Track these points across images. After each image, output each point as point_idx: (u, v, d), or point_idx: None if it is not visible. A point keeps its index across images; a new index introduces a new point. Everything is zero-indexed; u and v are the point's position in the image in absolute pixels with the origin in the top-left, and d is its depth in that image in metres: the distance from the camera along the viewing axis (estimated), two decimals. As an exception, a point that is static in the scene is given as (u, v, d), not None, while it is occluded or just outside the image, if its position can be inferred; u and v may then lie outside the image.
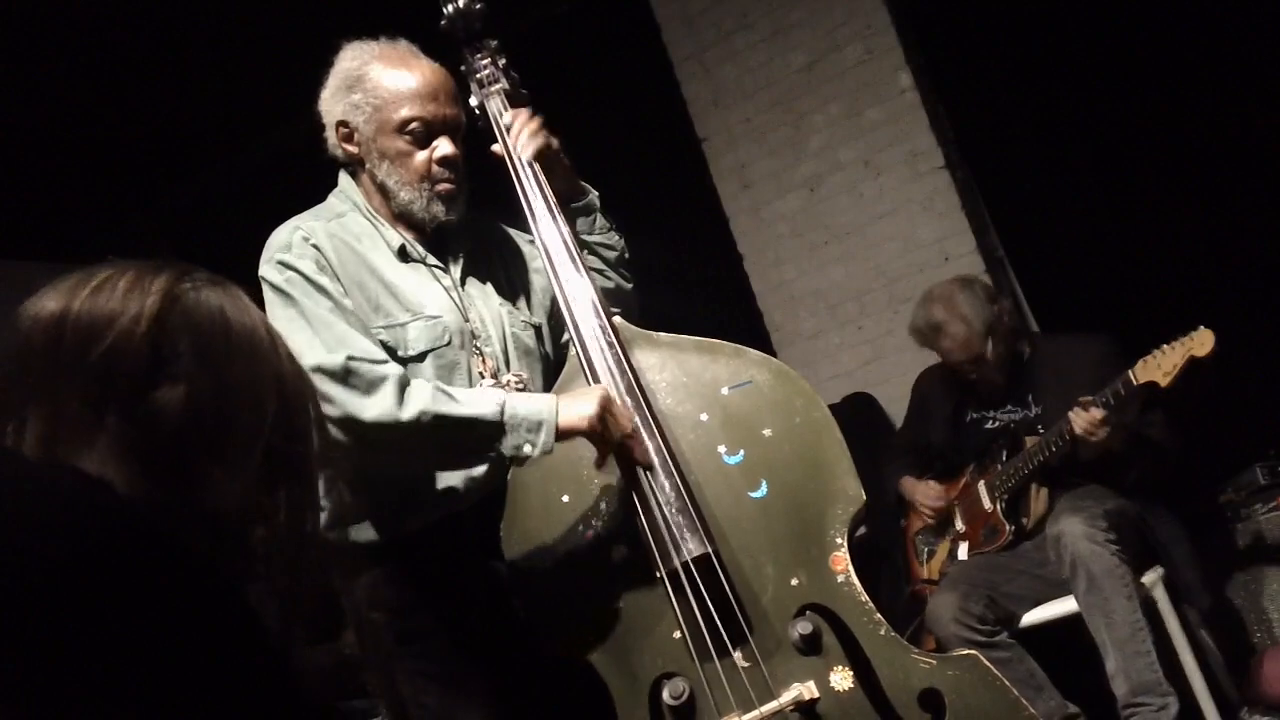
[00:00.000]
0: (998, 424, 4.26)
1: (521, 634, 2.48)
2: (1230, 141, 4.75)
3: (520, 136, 2.66)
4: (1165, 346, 3.65)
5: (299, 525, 1.29)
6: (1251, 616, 4.28)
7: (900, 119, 5.38)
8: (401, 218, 2.60)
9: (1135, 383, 3.69)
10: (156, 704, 0.98)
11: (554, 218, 2.61)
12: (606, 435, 2.36)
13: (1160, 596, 3.88)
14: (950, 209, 5.33)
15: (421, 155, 2.55)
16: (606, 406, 2.36)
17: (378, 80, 2.54)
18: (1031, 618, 3.96)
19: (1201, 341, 3.59)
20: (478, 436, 2.35)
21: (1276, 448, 4.45)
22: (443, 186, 2.57)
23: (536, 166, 2.65)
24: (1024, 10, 5.09)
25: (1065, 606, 3.89)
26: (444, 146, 2.56)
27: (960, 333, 4.20)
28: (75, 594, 0.95)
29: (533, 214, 2.62)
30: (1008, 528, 4.11)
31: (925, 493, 4.37)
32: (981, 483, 4.21)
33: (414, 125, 2.53)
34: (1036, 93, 5.17)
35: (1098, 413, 3.75)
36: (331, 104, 2.60)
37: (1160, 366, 3.64)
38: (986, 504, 4.18)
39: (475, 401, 2.37)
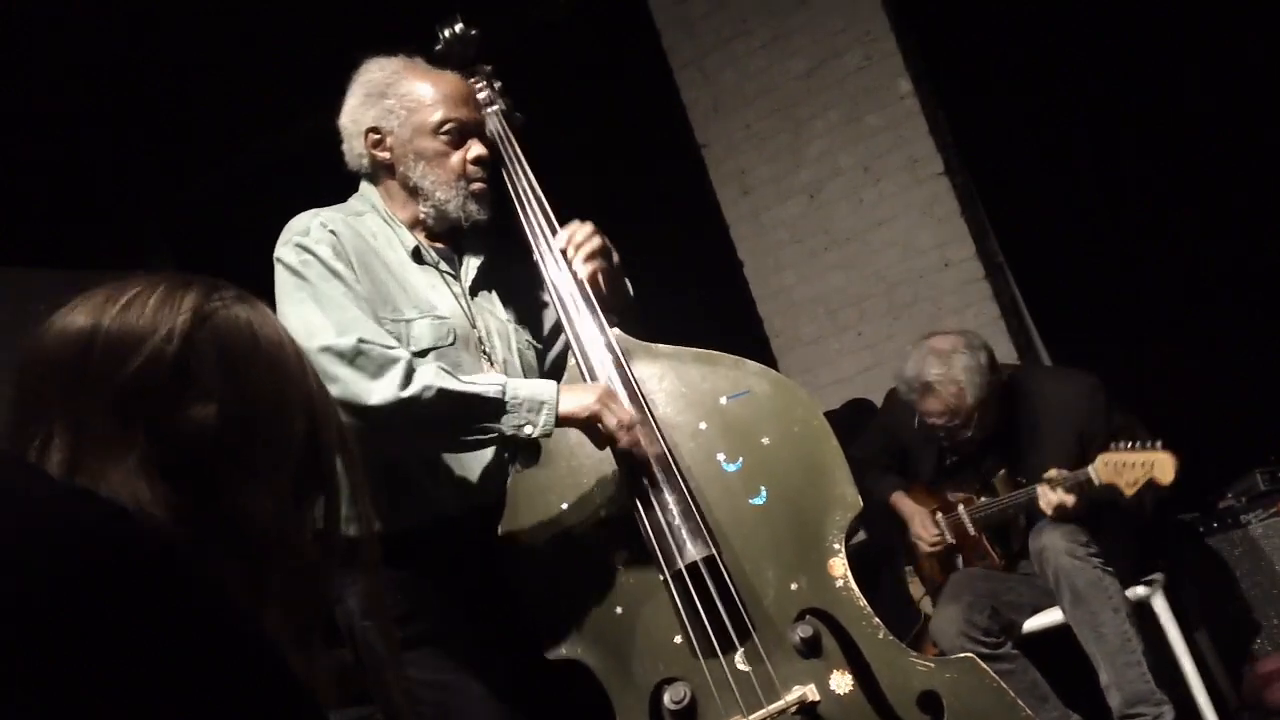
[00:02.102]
0: (973, 462, 4.25)
1: (521, 639, 2.49)
2: (1229, 146, 4.76)
3: (579, 252, 2.64)
4: (1128, 454, 3.68)
5: (323, 540, 1.30)
6: (1251, 622, 4.28)
7: (900, 125, 5.39)
8: (423, 224, 2.67)
9: (1097, 483, 3.73)
10: None
11: (552, 231, 2.65)
12: (606, 427, 2.39)
13: (1159, 603, 3.89)
14: (950, 215, 5.34)
15: (457, 155, 2.63)
16: (607, 399, 2.40)
17: (410, 87, 2.64)
18: (1031, 625, 3.96)
19: (1163, 469, 3.63)
20: (480, 414, 2.37)
21: (1276, 453, 4.45)
22: (476, 185, 2.65)
23: (542, 196, 2.69)
24: (1023, 15, 5.10)
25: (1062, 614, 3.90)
26: (476, 147, 2.66)
27: (950, 398, 3.99)
28: (73, 620, 0.94)
29: (533, 232, 2.67)
30: (999, 556, 4.13)
31: (921, 534, 4.26)
32: (961, 507, 4.21)
33: (449, 126, 2.62)
34: (1036, 97, 5.19)
35: (1066, 496, 3.77)
36: (360, 113, 2.67)
37: (1122, 475, 3.68)
38: (970, 530, 4.18)
39: (477, 381, 2.41)
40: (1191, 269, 4.92)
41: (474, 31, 2.88)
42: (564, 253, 2.65)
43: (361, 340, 2.34)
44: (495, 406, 2.37)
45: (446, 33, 2.87)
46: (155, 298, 1.24)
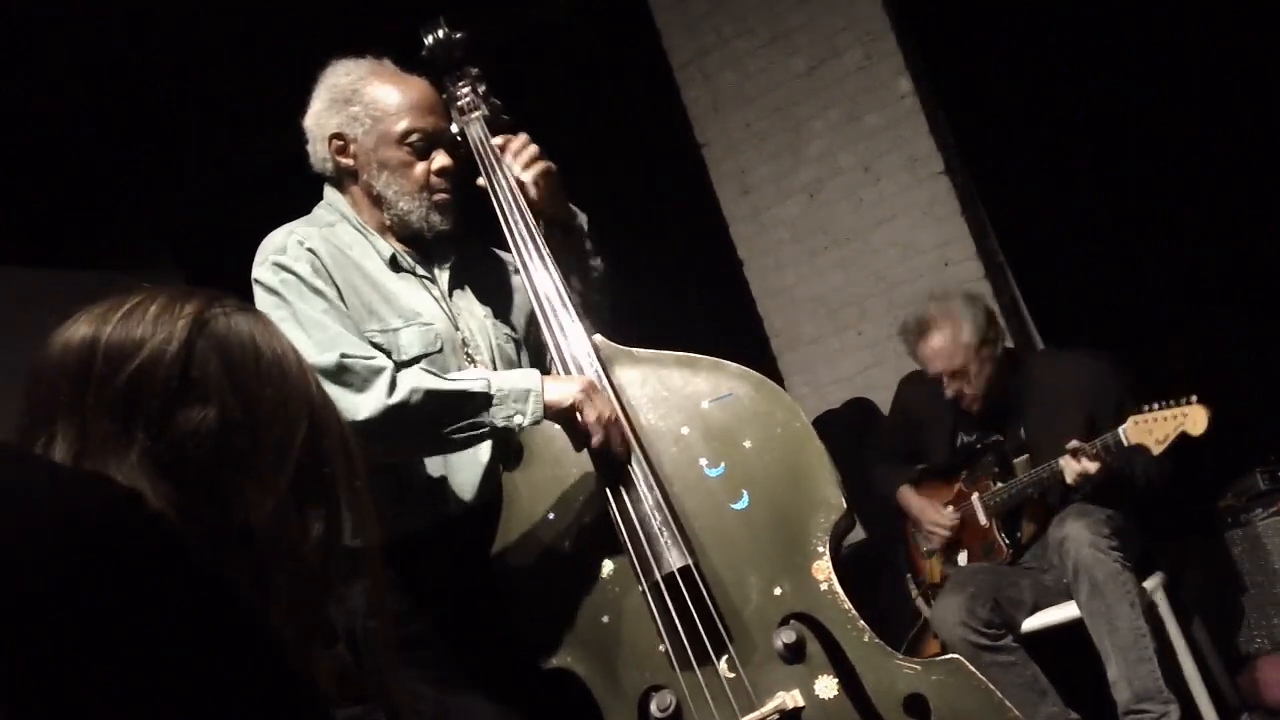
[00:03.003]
0: (987, 444, 4.24)
1: (518, 640, 2.50)
2: (1229, 146, 4.74)
3: (517, 160, 2.69)
4: (1160, 411, 3.65)
5: (325, 544, 1.30)
6: (1251, 622, 4.28)
7: (900, 124, 5.38)
8: (391, 229, 2.65)
9: (1126, 443, 3.70)
10: (162, 713, 0.98)
11: (534, 238, 2.64)
12: (584, 419, 2.39)
13: (1161, 602, 3.88)
14: (950, 214, 5.33)
15: (421, 166, 2.61)
16: (590, 391, 2.40)
17: (376, 94, 2.60)
18: (1031, 624, 3.95)
19: (1195, 421, 3.60)
20: (468, 409, 2.37)
21: (1276, 453, 4.44)
22: (440, 196, 2.63)
23: (523, 201, 2.67)
24: (1022, 14, 5.09)
25: (1065, 613, 3.90)
26: (441, 158, 2.63)
27: (946, 338, 4.12)
28: (83, 598, 0.95)
29: (516, 239, 2.65)
30: (1005, 547, 4.11)
31: (936, 520, 4.29)
32: (975, 496, 4.21)
33: (414, 136, 2.59)
34: (1036, 97, 5.18)
35: (1090, 465, 3.75)
36: (325, 118, 2.63)
37: (1153, 433, 3.65)
38: (982, 519, 4.18)
39: (462, 378, 2.42)
40: (1191, 269, 4.91)
41: (459, 35, 2.84)
42: (502, 149, 2.69)
43: (344, 355, 2.34)
44: (482, 400, 2.37)
45: (429, 38, 2.84)
46: (156, 306, 1.27)
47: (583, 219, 2.81)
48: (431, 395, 2.36)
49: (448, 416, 2.39)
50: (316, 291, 2.44)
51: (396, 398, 2.33)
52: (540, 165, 2.68)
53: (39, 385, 1.25)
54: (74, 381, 1.22)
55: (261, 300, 2.45)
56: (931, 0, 5.33)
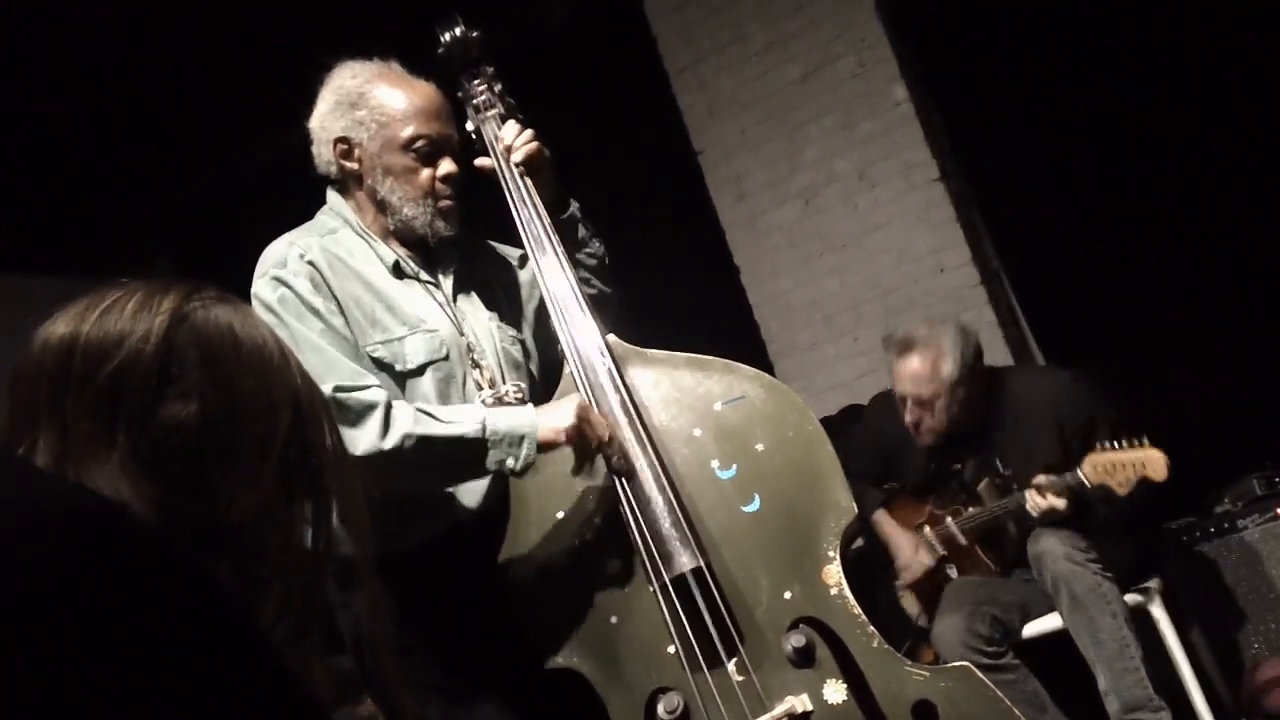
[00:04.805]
0: (950, 474, 4.24)
1: (523, 645, 2.49)
2: (1227, 150, 4.76)
3: (514, 144, 2.69)
4: (1117, 453, 3.67)
5: (315, 538, 1.29)
6: (1248, 627, 4.28)
7: (895, 131, 5.39)
8: (395, 235, 2.64)
9: (1089, 486, 3.71)
10: (158, 714, 0.98)
11: (548, 237, 2.64)
12: (584, 443, 2.39)
13: (1157, 608, 3.89)
14: (945, 221, 5.34)
15: (426, 172, 2.59)
16: (583, 416, 2.39)
17: (383, 98, 2.58)
18: (1030, 630, 3.95)
19: (1154, 467, 3.62)
20: (461, 454, 2.37)
21: (1272, 458, 4.45)
22: (444, 203, 2.61)
23: (538, 199, 2.67)
24: (1017, 20, 5.11)
25: (1059, 620, 3.88)
26: (447, 164, 2.61)
27: (925, 365, 4.03)
28: (79, 601, 0.95)
29: (530, 239, 2.65)
30: (992, 564, 4.11)
31: (910, 560, 4.25)
32: (949, 519, 4.19)
33: (420, 143, 2.57)
34: (1031, 103, 5.19)
35: (1057, 500, 3.76)
36: (330, 120, 2.61)
37: (1114, 476, 3.67)
38: (961, 540, 4.17)
39: (457, 420, 2.39)
40: (1189, 275, 4.92)
41: (475, 33, 2.84)
42: (506, 149, 2.69)
43: (337, 389, 2.32)
44: (476, 446, 2.36)
45: (446, 35, 2.83)
46: (134, 302, 1.25)
47: (575, 208, 2.81)
48: (425, 441, 2.34)
49: (440, 462, 2.40)
50: (314, 310, 2.43)
51: (389, 443, 2.31)
52: (532, 149, 2.69)
53: (21, 387, 1.23)
54: (54, 383, 1.21)
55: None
56: (925, 7, 5.35)
